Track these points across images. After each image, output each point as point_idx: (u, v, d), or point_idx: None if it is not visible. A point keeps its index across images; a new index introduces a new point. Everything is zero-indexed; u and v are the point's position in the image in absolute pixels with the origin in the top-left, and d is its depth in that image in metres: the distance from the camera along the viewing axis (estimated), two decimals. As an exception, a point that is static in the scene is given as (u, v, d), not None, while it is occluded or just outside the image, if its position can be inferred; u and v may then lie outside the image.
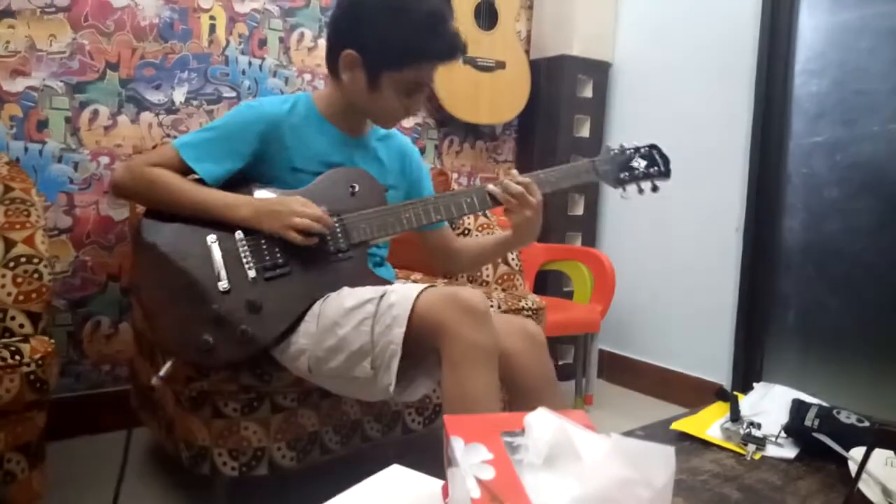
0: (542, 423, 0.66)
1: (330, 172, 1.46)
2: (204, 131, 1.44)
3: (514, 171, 1.43)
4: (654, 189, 1.52)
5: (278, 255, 1.37)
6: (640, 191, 1.52)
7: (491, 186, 1.42)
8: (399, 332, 1.21)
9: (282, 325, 1.34)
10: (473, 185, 2.93)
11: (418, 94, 1.46)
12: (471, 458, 0.63)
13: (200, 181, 1.41)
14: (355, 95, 1.44)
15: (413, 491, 0.74)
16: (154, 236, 1.39)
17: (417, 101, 1.47)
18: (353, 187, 1.45)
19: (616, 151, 1.52)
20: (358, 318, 1.27)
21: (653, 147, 1.53)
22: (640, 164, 1.51)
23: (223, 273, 1.34)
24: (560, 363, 2.80)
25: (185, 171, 1.40)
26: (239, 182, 1.44)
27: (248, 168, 1.44)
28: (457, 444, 0.65)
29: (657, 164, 1.52)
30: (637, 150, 1.52)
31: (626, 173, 1.51)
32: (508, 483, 0.61)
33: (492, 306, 1.82)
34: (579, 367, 2.59)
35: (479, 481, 0.60)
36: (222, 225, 1.38)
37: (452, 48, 1.41)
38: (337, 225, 1.41)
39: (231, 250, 1.36)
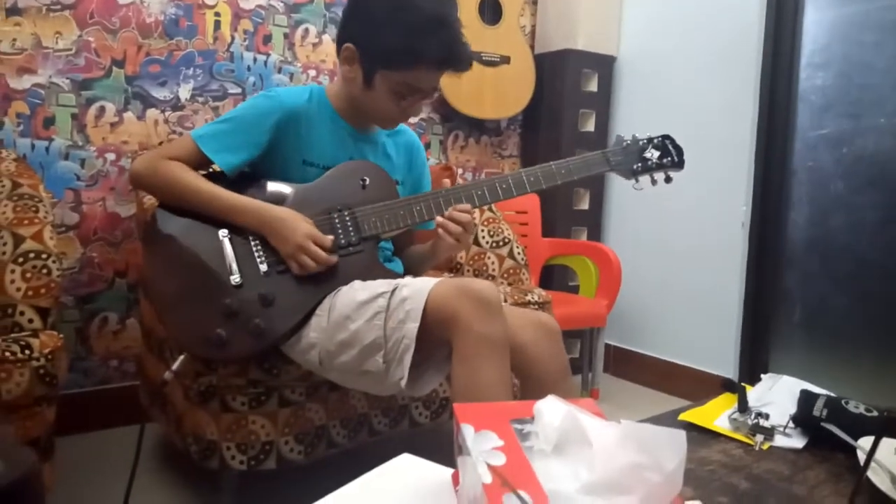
0: (551, 411, 0.67)
1: (341, 166, 1.47)
2: (221, 122, 1.45)
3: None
4: (668, 180, 1.52)
5: None
6: (654, 182, 1.51)
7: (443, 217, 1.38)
8: (413, 326, 1.20)
9: (294, 318, 1.34)
10: (479, 178, 2.94)
11: (413, 98, 1.43)
12: (481, 445, 0.64)
13: (216, 173, 1.42)
14: (353, 90, 1.45)
15: (424, 478, 0.74)
16: (165, 231, 1.39)
17: (414, 105, 1.45)
18: (364, 180, 1.45)
19: (629, 142, 1.51)
20: (370, 312, 1.27)
21: (666, 137, 1.52)
22: (653, 154, 1.50)
23: (235, 267, 1.34)
24: (566, 358, 2.80)
25: (204, 161, 1.41)
26: (250, 177, 1.45)
27: (259, 159, 1.44)
28: (467, 432, 0.65)
29: (671, 155, 1.51)
30: (650, 140, 1.51)
31: (640, 164, 1.50)
32: (519, 469, 0.61)
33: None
34: (585, 361, 2.59)
35: (491, 467, 0.60)
36: None
37: (447, 56, 1.37)
38: (348, 218, 1.41)
39: (243, 244, 1.37)
